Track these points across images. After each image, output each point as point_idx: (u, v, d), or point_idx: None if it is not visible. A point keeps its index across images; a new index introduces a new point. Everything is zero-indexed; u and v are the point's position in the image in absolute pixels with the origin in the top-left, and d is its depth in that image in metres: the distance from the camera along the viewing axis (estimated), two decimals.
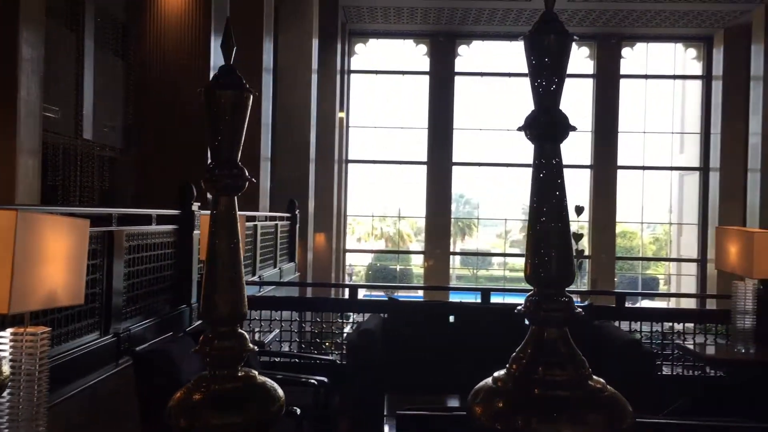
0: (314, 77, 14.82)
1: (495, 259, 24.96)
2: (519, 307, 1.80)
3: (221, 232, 1.77)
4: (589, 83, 19.72)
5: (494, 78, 20.24)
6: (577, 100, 20.01)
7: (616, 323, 5.57)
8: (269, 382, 1.79)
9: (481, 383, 1.81)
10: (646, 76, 20.17)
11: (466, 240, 25.15)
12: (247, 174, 1.79)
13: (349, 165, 19.69)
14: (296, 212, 11.51)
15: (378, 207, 21.99)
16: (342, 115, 18.46)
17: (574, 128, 1.73)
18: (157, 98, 9.20)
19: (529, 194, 1.77)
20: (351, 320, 12.26)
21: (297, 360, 5.39)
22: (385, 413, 4.15)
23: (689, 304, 16.30)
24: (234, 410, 1.71)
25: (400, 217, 21.87)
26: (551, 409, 1.66)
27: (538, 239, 1.74)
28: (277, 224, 10.26)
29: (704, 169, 19.54)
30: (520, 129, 1.77)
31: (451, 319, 5.17)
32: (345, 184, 19.26)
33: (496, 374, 1.81)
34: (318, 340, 6.71)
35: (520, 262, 26.20)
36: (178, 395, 1.76)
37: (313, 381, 4.14)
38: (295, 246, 11.36)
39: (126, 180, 9.70)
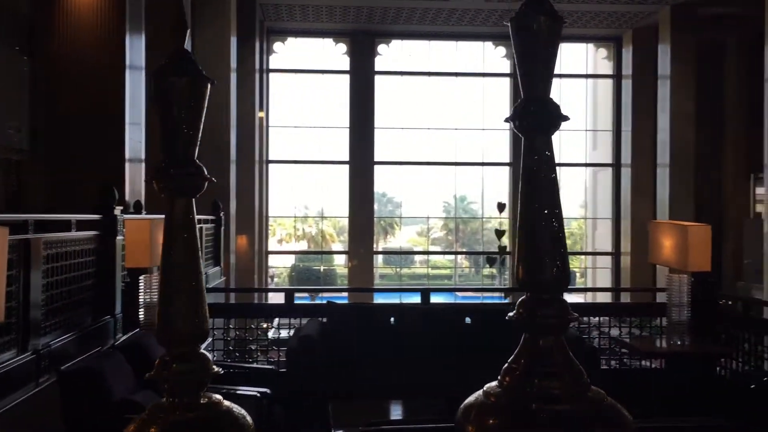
0: (233, 76, 14.40)
1: (417, 257, 25.09)
2: (510, 314, 1.66)
3: (178, 239, 1.56)
4: (507, 82, 20.03)
5: (415, 77, 20.29)
6: (495, 99, 20.33)
7: None
8: (236, 408, 1.59)
9: (471, 398, 1.67)
10: (560, 75, 20.65)
11: (389, 239, 25.15)
12: (206, 173, 1.58)
13: (270, 165, 19.30)
14: (221, 214, 11.13)
15: (300, 207, 21.69)
16: (262, 114, 18.06)
17: (566, 118, 1.60)
18: (68, 97, 8.65)
19: (520, 191, 1.64)
20: (275, 325, 11.96)
21: (232, 370, 5.13)
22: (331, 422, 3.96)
23: (605, 297, 16.80)
24: None
25: (322, 217, 21.63)
26: (550, 425, 1.53)
27: (531, 240, 1.60)
28: (201, 227, 9.87)
29: (616, 165, 20.17)
30: (507, 120, 1.64)
31: (392, 320, 5.03)
32: (266, 184, 18.87)
33: (486, 387, 1.67)
34: (253, 347, 6.43)
35: (442, 259, 26.45)
36: (132, 428, 1.54)
37: (254, 393, 3.91)
38: (220, 250, 10.97)
39: (35, 184, 9.09)
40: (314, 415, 4.03)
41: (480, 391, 1.66)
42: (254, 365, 5.40)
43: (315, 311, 5.34)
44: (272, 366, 5.47)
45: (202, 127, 1.60)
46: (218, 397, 1.59)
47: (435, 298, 9.47)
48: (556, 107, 1.59)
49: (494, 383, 1.65)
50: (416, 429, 2.54)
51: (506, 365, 1.65)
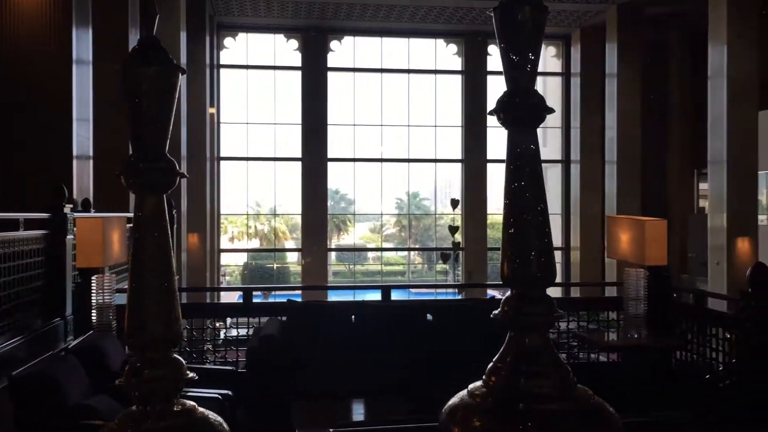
0: None
1: (370, 254, 25.06)
2: (495, 312, 1.62)
3: (149, 237, 1.47)
4: (458, 79, 20.13)
5: (367, 74, 20.23)
6: (447, 96, 20.41)
7: None
8: (212, 415, 1.51)
9: (455, 399, 1.61)
10: None
11: (342, 236, 25.07)
12: (177, 167, 1.50)
13: (222, 162, 19.00)
14: (173, 212, 10.87)
15: (252, 205, 21.42)
16: (213, 111, 17.77)
17: (551, 110, 1.57)
18: (10, 92, 8.32)
19: (504, 186, 1.60)
20: (227, 325, 11.78)
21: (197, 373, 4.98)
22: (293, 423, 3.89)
23: (553, 292, 16.99)
24: None
25: (275, 215, 21.41)
26: (539, 426, 1.49)
27: (516, 236, 1.57)
28: None
29: (566, 162, 20.49)
30: (491, 113, 1.60)
31: (353, 318, 4.97)
32: (218, 182, 18.58)
33: (471, 387, 1.62)
34: (206, 347, 6.29)
35: (395, 255, 26.47)
36: None
37: (216, 395, 3.80)
38: (174, 248, 10.70)
39: None
40: (277, 416, 3.95)
41: (464, 392, 1.61)
42: (214, 366, 5.28)
43: (275, 310, 5.25)
44: (232, 367, 5.36)
45: (172, 119, 1.51)
46: (192, 403, 1.51)
47: (380, 296, 9.43)
48: (541, 100, 1.55)
49: (479, 383, 1.61)
50: (397, 429, 2.48)
51: (491, 365, 1.61)
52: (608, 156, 18.33)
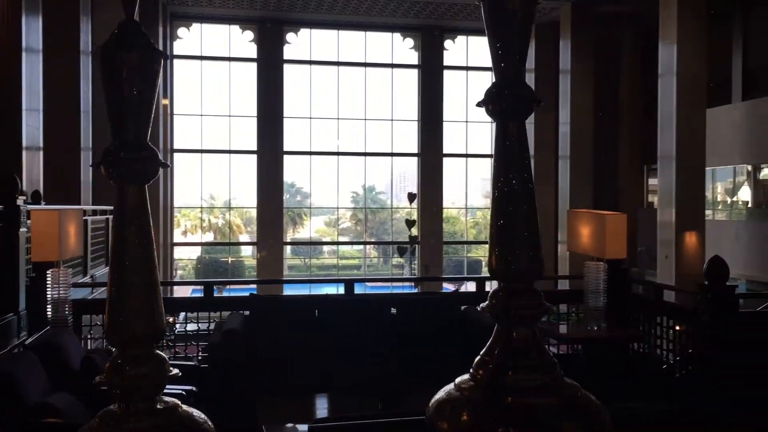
0: None
1: (325, 248, 24.97)
2: (482, 305, 1.61)
3: (130, 230, 1.42)
4: (415, 73, 20.17)
5: (323, 67, 20.11)
6: (403, 90, 20.43)
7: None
8: (195, 413, 1.47)
9: (442, 393, 1.60)
10: (467, 68, 20.99)
11: (298, 229, 24.90)
12: (160, 157, 1.45)
13: (175, 154, 18.67)
14: None
15: (206, 198, 21.11)
16: (166, 102, 17.44)
17: (540, 101, 1.56)
18: None
19: (492, 176, 1.59)
20: (182, 319, 11.58)
21: None
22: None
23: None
24: None
25: (229, 208, 21.14)
26: (527, 419, 1.48)
27: (504, 227, 1.55)
28: (108, 218, 9.39)
29: None
30: (479, 104, 1.58)
31: (316, 312, 4.93)
32: (171, 174, 18.24)
33: (459, 381, 1.60)
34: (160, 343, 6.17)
35: (350, 249, 26.43)
36: None
37: (180, 391, 3.72)
38: None
39: None
40: (242, 412, 3.89)
41: (451, 386, 1.60)
42: (175, 362, 5.16)
43: (237, 304, 5.17)
44: (194, 362, 5.27)
45: (154, 106, 1.46)
46: (175, 401, 1.47)
47: (344, 290, 9.39)
48: (530, 91, 1.54)
49: (466, 376, 1.59)
50: (378, 423, 2.46)
51: (479, 358, 1.59)
52: (561, 151, 18.61)
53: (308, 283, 15.99)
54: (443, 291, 15.34)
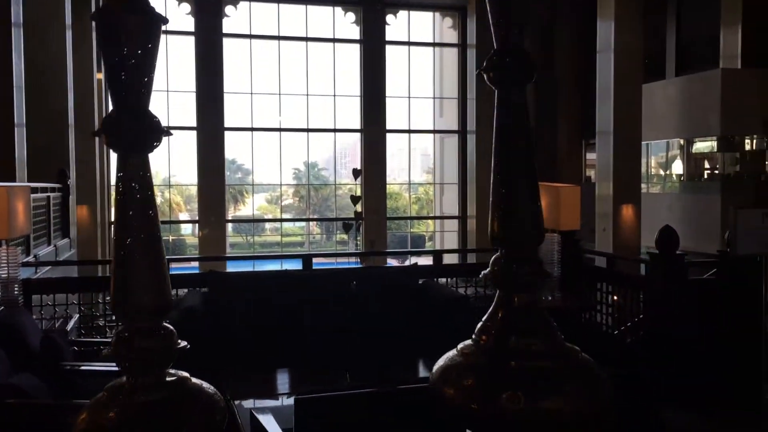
0: (68, 34, 13.24)
1: (267, 225, 24.76)
2: (484, 272, 1.64)
3: (134, 200, 1.38)
4: (356, 48, 20.03)
5: (264, 41, 19.76)
6: (345, 65, 20.27)
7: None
8: (205, 385, 1.45)
9: (445, 359, 1.62)
10: (408, 43, 20.97)
11: (239, 207, 24.58)
12: (162, 125, 1.41)
13: None
14: (68, 182, 10.28)
15: None
16: (101, 76, 16.84)
17: (538, 69, 1.58)
18: None
19: (494, 145, 1.60)
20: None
21: (102, 347, 4.76)
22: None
23: (452, 258, 17.44)
24: (168, 427, 1.35)
25: (169, 186, 20.68)
26: (532, 382, 1.52)
27: (505, 195, 1.58)
28: (49, 196, 9.06)
29: (462, 132, 20.89)
30: (480, 72, 1.59)
31: (276, 288, 4.89)
32: (107, 152, 17.66)
33: (461, 347, 1.63)
34: (101, 323, 6.00)
35: (292, 226, 26.28)
36: (86, 414, 1.36)
37: None
38: (69, 220, 10.14)
39: None
40: None
41: (453, 351, 1.62)
42: None
43: (195, 281, 5.08)
44: None
45: (155, 72, 1.41)
46: (184, 373, 1.45)
47: (288, 265, 9.34)
48: (531, 58, 1.56)
49: (469, 342, 1.62)
50: (363, 393, 2.46)
51: (481, 324, 1.62)
52: None
53: (268, 259, 15.73)
54: (388, 265, 15.43)
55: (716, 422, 4.26)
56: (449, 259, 18.16)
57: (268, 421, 2.58)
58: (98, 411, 1.35)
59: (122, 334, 1.37)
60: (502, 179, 1.57)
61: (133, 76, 1.37)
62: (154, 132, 1.38)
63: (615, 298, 5.79)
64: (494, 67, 1.56)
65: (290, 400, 3.33)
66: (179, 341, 1.42)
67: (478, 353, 1.58)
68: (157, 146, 1.41)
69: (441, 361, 1.63)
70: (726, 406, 4.39)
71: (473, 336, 1.62)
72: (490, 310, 1.63)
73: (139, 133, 1.37)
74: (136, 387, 1.36)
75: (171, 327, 1.42)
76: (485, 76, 1.58)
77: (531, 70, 1.56)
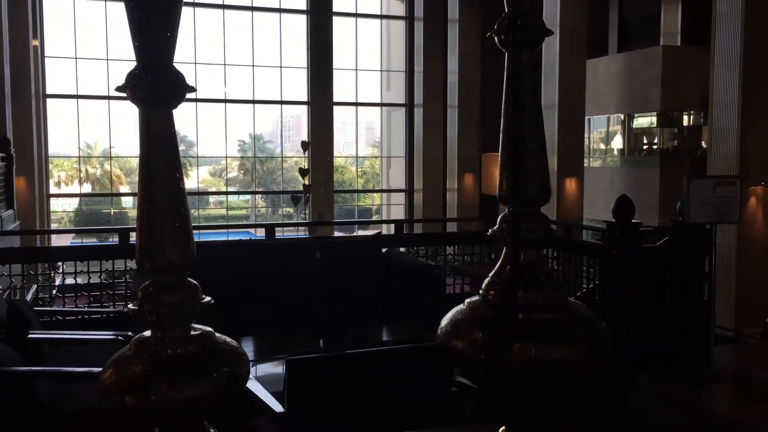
0: (3, 1, 12.71)
1: (212, 198, 24.42)
2: (492, 229, 1.69)
3: (159, 156, 1.38)
4: (303, 19, 19.78)
5: (208, 9, 19.32)
6: (292, 36, 20.02)
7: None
8: (228, 339, 1.47)
9: (453, 313, 1.68)
10: (356, 15, 20.83)
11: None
12: (186, 81, 1.40)
13: (48, 100, 17.48)
14: (12, 152, 9.91)
15: (83, 147, 19.98)
16: (36, 43, 16.21)
17: (550, 32, 1.63)
18: None
19: (504, 106, 1.65)
20: (61, 270, 11.08)
21: (80, 316, 4.67)
22: None
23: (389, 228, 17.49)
24: (195, 379, 1.37)
25: (109, 158, 20.14)
26: (540, 333, 1.59)
27: (514, 155, 1.63)
28: (4, 165, 8.72)
29: (409, 106, 20.93)
30: (490, 35, 1.63)
31: (240, 259, 4.88)
32: (44, 122, 17.10)
33: (468, 301, 1.69)
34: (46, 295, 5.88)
35: (237, 200, 25.98)
36: (112, 369, 1.36)
37: (111, 336, 3.62)
38: (13, 191, 9.79)
39: None
40: None
41: (462, 306, 1.68)
42: (106, 309, 4.98)
43: None
44: (120, 308, 5.08)
45: (179, 28, 1.41)
46: (209, 328, 1.46)
47: (234, 237, 9.28)
48: (542, 21, 1.61)
49: (477, 297, 1.68)
50: (340, 355, 2.50)
51: (488, 279, 1.68)
52: (450, 100, 18.97)
53: (214, 230, 15.34)
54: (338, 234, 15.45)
55: (669, 383, 4.48)
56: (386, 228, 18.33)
57: (254, 385, 2.59)
58: (125, 365, 1.36)
59: (148, 290, 1.38)
60: (512, 141, 1.63)
61: (157, 30, 1.36)
62: (178, 87, 1.38)
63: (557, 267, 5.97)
64: (505, 30, 1.60)
65: (266, 366, 3.36)
66: (203, 296, 1.43)
67: (486, 307, 1.64)
68: (181, 102, 1.41)
69: (449, 315, 1.68)
70: (678, 368, 4.62)
71: (480, 291, 1.68)
72: (497, 266, 1.68)
73: (164, 87, 1.37)
74: (164, 340, 1.38)
75: (195, 282, 1.44)
76: (496, 38, 1.62)
77: (541, 33, 1.61)
